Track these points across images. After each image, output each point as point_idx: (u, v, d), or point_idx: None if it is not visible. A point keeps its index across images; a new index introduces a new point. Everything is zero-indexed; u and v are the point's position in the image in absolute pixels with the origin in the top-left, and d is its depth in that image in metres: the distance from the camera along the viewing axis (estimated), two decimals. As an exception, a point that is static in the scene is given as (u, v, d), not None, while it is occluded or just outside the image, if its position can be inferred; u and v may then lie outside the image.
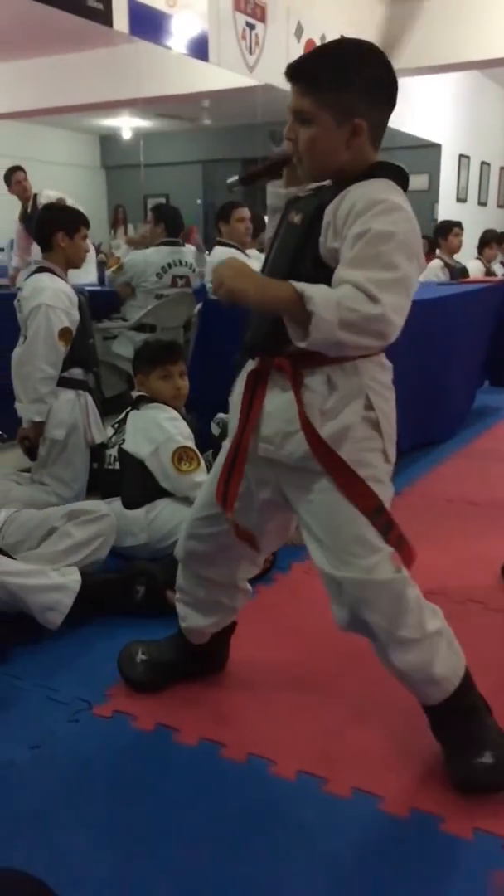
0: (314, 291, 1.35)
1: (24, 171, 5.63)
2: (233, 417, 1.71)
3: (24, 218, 5.54)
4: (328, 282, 1.42)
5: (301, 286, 1.36)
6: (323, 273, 1.44)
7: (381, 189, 1.46)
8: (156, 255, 4.54)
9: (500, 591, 2.60)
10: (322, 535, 1.60)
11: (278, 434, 1.58)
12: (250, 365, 1.66)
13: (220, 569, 1.87)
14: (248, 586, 1.96)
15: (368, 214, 1.41)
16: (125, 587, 2.41)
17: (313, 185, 1.61)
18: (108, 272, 4.74)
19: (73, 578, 2.31)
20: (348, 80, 1.48)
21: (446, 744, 1.70)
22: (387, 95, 1.53)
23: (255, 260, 4.22)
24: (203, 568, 1.87)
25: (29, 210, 5.52)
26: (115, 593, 2.40)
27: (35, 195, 5.56)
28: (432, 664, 1.60)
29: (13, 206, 5.76)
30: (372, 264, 1.37)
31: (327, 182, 1.58)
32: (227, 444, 1.73)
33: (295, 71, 1.51)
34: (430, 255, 5.97)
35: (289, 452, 1.57)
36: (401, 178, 1.52)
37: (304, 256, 1.51)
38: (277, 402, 1.58)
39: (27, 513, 2.64)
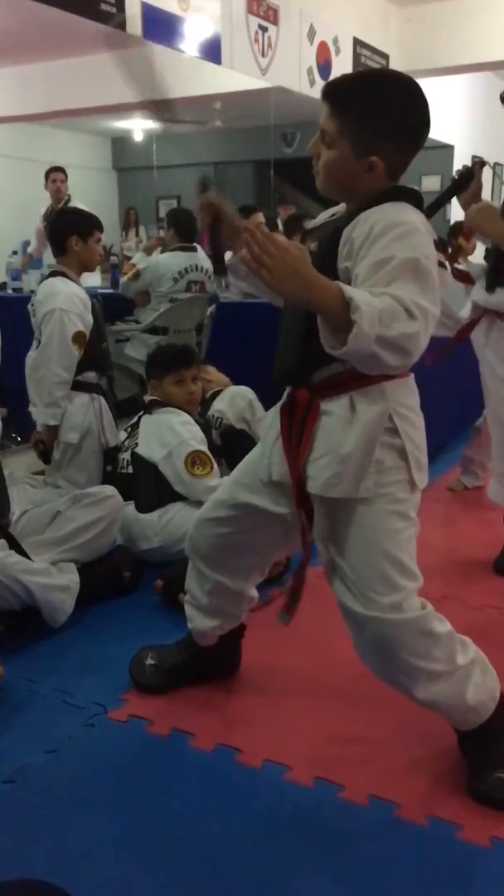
0: (360, 300, 1.30)
1: (65, 174, 5.68)
2: (266, 450, 1.70)
3: (49, 217, 5.57)
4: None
5: (349, 291, 1.32)
6: None
7: (398, 211, 1.46)
8: (172, 260, 4.53)
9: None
10: (344, 569, 1.59)
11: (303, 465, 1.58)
12: (281, 401, 1.66)
13: (230, 573, 1.87)
14: (255, 592, 1.97)
15: (388, 237, 1.40)
16: (113, 574, 2.58)
17: (328, 216, 1.63)
18: (122, 280, 4.70)
19: (73, 579, 2.39)
20: (376, 118, 1.47)
21: (470, 756, 1.70)
22: (412, 138, 1.52)
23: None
24: (210, 568, 1.87)
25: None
26: (106, 581, 2.56)
27: (68, 198, 5.58)
28: (464, 694, 1.60)
29: (27, 209, 5.77)
30: (407, 289, 1.36)
31: (341, 210, 1.60)
32: (251, 462, 1.75)
33: (330, 91, 1.51)
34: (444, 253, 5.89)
35: (312, 483, 1.57)
36: (416, 200, 1.52)
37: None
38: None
39: (38, 510, 2.71)
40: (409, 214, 1.46)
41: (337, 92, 1.51)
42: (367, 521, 1.55)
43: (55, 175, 5.66)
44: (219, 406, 3.21)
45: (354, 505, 1.55)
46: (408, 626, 1.55)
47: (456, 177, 2.56)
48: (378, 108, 1.47)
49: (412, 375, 1.61)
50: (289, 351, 1.61)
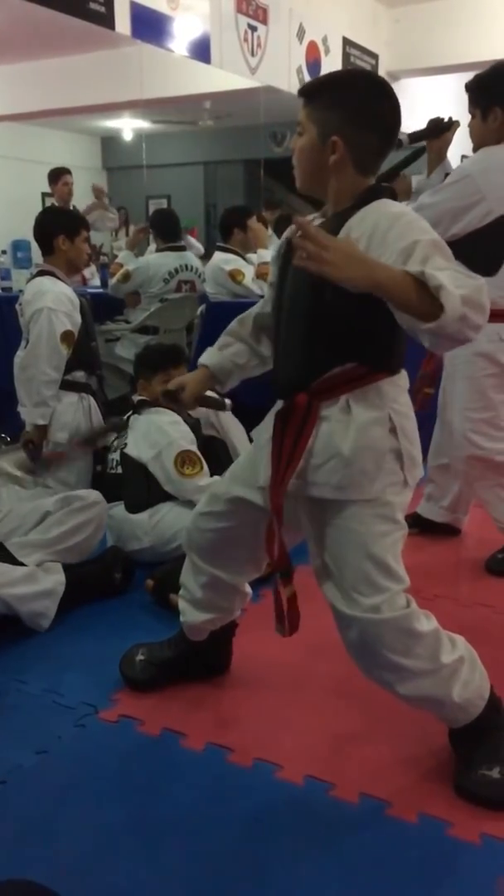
0: (433, 271, 1.30)
1: (72, 176, 5.73)
2: (258, 454, 1.70)
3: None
4: (351, 311, 1.45)
5: (416, 268, 1.32)
6: (346, 302, 1.43)
7: (388, 206, 1.51)
8: (162, 261, 4.52)
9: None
10: (331, 569, 1.60)
11: (303, 470, 1.58)
12: (279, 406, 1.66)
13: (224, 566, 1.87)
14: (248, 589, 1.97)
15: (399, 227, 1.43)
16: (104, 574, 2.57)
17: (317, 222, 1.63)
18: (111, 281, 4.67)
19: (59, 580, 2.39)
20: (340, 102, 1.55)
21: (459, 753, 1.71)
22: (378, 126, 1.56)
23: (252, 266, 4.21)
24: (207, 562, 1.87)
25: None
26: (96, 581, 2.55)
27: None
28: (450, 692, 1.60)
29: (16, 208, 5.75)
30: (438, 262, 1.36)
31: (324, 215, 1.62)
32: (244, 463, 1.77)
33: (304, 86, 1.62)
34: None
35: (319, 489, 1.57)
36: (393, 197, 1.57)
37: (323, 289, 1.48)
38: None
39: (25, 506, 2.71)
40: (399, 206, 1.51)
41: (310, 86, 1.62)
42: (352, 525, 1.56)
43: (65, 178, 5.70)
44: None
45: (343, 508, 1.56)
46: (388, 624, 1.55)
47: (431, 126, 2.70)
48: (343, 94, 1.56)
49: (405, 374, 1.61)
50: (293, 361, 1.62)
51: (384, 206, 1.50)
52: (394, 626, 1.56)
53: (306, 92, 1.60)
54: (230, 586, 1.91)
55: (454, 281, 1.30)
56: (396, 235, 1.42)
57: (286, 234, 1.70)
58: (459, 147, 2.89)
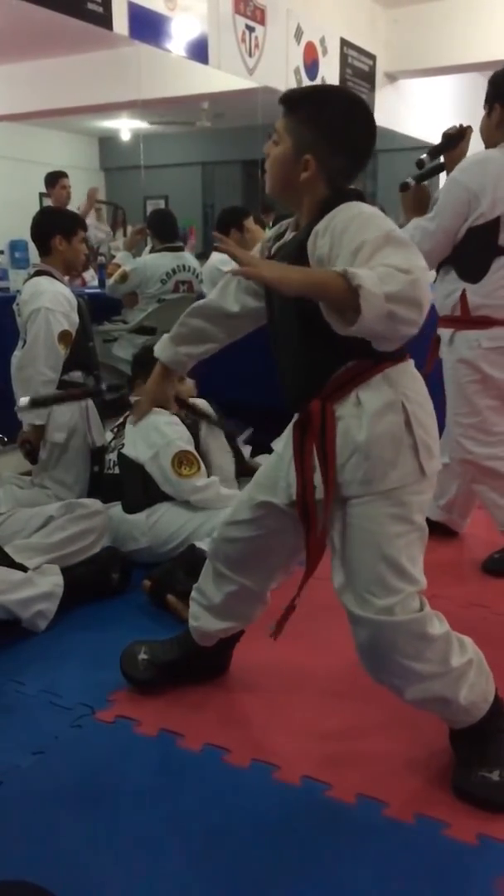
0: (355, 270, 1.33)
1: (69, 179, 5.76)
2: (281, 467, 1.71)
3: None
4: None
5: (342, 268, 1.35)
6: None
7: (349, 207, 1.51)
8: (159, 261, 4.52)
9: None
10: (346, 569, 1.60)
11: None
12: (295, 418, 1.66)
13: (252, 574, 1.86)
14: (269, 597, 1.96)
15: (351, 230, 1.45)
16: (102, 575, 2.57)
17: (290, 232, 1.67)
18: (109, 282, 4.66)
19: (56, 583, 2.39)
20: (316, 119, 1.57)
21: (459, 754, 1.71)
22: (350, 146, 1.58)
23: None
24: (236, 571, 1.86)
25: None
26: (93, 582, 2.55)
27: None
28: (457, 695, 1.60)
29: (13, 208, 5.74)
30: (388, 259, 1.38)
31: (297, 225, 1.65)
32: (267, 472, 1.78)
33: (285, 95, 1.63)
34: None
35: (348, 488, 1.57)
36: (359, 198, 1.58)
37: (307, 300, 1.50)
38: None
39: (27, 510, 2.72)
40: (358, 207, 1.51)
41: (291, 96, 1.63)
42: (368, 525, 1.56)
43: (63, 182, 5.71)
44: None
45: (361, 507, 1.56)
46: (400, 628, 1.55)
47: (445, 139, 2.73)
48: (320, 111, 1.58)
49: (412, 361, 1.62)
50: (294, 373, 1.63)
51: (345, 210, 1.50)
52: (406, 629, 1.56)
53: (287, 101, 1.61)
54: (257, 594, 1.90)
55: (383, 278, 1.32)
56: (349, 237, 1.43)
57: (261, 241, 1.74)
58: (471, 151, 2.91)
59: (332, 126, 1.57)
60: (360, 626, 1.59)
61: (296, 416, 1.65)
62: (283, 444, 1.73)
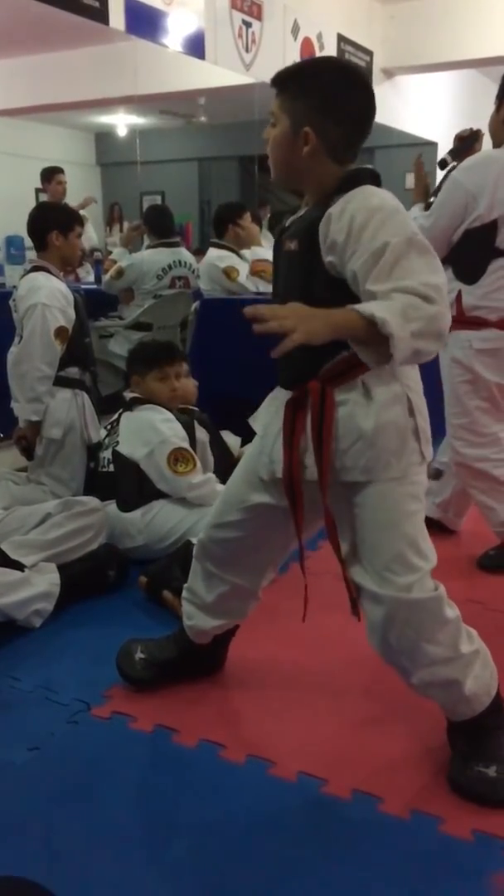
0: (384, 313, 1.32)
1: (65, 175, 5.74)
2: (267, 444, 1.68)
3: None
4: (343, 298, 1.42)
5: (368, 311, 1.34)
6: (337, 291, 1.45)
7: (368, 196, 1.48)
8: (155, 257, 4.51)
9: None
10: (361, 550, 1.60)
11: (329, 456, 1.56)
12: (280, 394, 1.65)
13: (244, 572, 1.86)
14: (261, 593, 1.95)
15: (372, 226, 1.42)
16: (98, 572, 2.56)
17: (301, 211, 1.63)
18: (105, 278, 4.65)
19: (53, 581, 2.39)
20: (308, 91, 1.54)
21: (456, 748, 1.71)
22: (347, 114, 1.55)
23: (247, 263, 4.20)
24: (227, 571, 1.86)
25: None
26: (89, 578, 2.54)
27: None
28: (462, 683, 1.61)
29: (8, 203, 5.73)
30: (412, 271, 1.38)
31: (307, 205, 1.61)
32: (249, 462, 1.75)
33: (275, 76, 1.59)
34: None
35: (349, 473, 1.56)
36: (375, 179, 1.55)
37: (313, 279, 1.51)
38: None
39: (25, 508, 2.71)
40: (379, 196, 1.48)
41: (281, 75, 1.59)
42: (386, 504, 1.56)
43: (58, 177, 5.69)
44: None
45: (373, 488, 1.56)
46: (418, 606, 1.56)
47: (458, 141, 2.83)
48: (311, 83, 1.56)
49: None
50: (299, 350, 1.60)
51: (364, 198, 1.47)
52: (423, 607, 1.57)
53: (277, 81, 1.58)
54: (249, 591, 1.90)
55: (405, 314, 1.33)
56: (370, 234, 1.42)
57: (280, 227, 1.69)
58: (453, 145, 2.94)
59: (326, 95, 1.53)
60: (377, 603, 1.58)
61: (280, 393, 1.63)
62: (264, 420, 1.71)
